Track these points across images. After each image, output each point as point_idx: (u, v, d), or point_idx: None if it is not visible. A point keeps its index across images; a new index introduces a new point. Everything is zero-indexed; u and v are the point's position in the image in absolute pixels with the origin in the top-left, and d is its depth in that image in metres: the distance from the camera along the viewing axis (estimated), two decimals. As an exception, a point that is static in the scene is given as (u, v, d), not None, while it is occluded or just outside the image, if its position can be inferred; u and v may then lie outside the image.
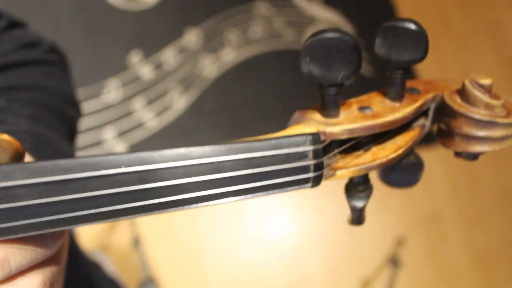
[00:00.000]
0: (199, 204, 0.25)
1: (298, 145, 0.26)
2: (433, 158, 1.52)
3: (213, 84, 1.57)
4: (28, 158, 0.36)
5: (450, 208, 1.55)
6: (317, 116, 0.29)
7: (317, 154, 0.27)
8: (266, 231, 1.46)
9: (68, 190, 0.23)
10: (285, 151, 0.26)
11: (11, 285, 0.25)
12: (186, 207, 0.25)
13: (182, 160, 0.24)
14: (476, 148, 0.29)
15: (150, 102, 1.52)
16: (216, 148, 0.25)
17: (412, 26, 0.26)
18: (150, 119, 1.50)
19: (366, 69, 1.64)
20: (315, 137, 0.27)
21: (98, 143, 1.45)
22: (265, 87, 1.60)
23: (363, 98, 0.31)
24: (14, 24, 0.55)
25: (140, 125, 1.49)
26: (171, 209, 0.25)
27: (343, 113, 0.29)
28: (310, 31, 1.68)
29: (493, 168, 1.60)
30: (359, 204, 0.32)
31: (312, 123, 0.28)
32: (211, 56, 1.60)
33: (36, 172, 0.23)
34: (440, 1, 1.81)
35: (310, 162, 0.26)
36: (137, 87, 1.53)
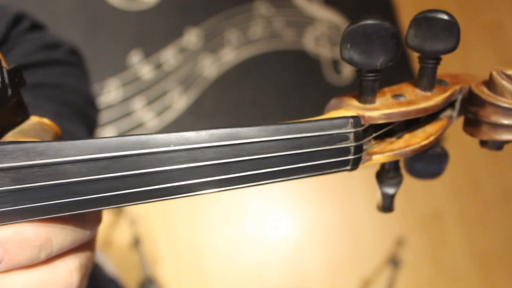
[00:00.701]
0: (245, 185, 0.26)
1: (340, 127, 0.27)
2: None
3: (213, 84, 1.57)
4: None
5: (450, 208, 1.55)
6: (354, 102, 0.30)
7: (357, 137, 0.27)
8: (266, 231, 1.46)
9: (117, 167, 0.23)
10: (327, 133, 0.27)
11: (50, 267, 0.25)
12: (231, 187, 0.26)
13: (230, 140, 0.25)
14: (503, 136, 0.30)
15: (150, 102, 1.52)
16: (262, 129, 0.25)
17: (445, 17, 0.27)
18: (150, 119, 1.50)
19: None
20: (356, 120, 0.27)
21: (98, 143, 1.45)
22: (265, 87, 1.60)
23: (395, 88, 0.32)
24: (36, 27, 0.57)
25: (140, 125, 1.49)
26: (216, 189, 0.25)
27: (379, 100, 0.30)
28: (310, 31, 1.68)
29: (493, 168, 1.60)
30: (390, 190, 0.34)
31: (351, 108, 0.29)
32: (211, 56, 1.60)
33: (85, 149, 0.23)
34: (440, 1, 1.80)
35: (351, 144, 0.27)
36: (137, 87, 1.53)
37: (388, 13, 1.75)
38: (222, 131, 0.25)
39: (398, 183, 0.34)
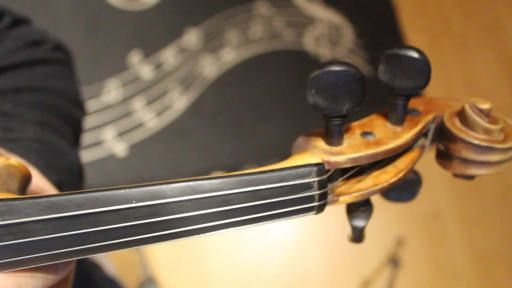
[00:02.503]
0: (207, 233, 0.26)
1: (303, 176, 0.27)
2: (433, 158, 1.52)
3: (213, 84, 1.57)
4: (35, 173, 0.36)
5: (450, 208, 1.55)
6: (321, 143, 0.29)
7: (322, 185, 0.27)
8: (266, 231, 1.46)
9: (80, 224, 0.24)
10: (291, 183, 0.26)
11: None
12: (194, 236, 0.26)
13: (192, 194, 0.25)
14: (474, 171, 0.30)
15: (150, 102, 1.52)
16: (224, 181, 0.25)
17: (416, 55, 0.26)
18: (150, 119, 1.50)
19: (366, 69, 1.64)
20: (320, 168, 0.27)
21: (98, 143, 1.45)
22: (265, 87, 1.60)
23: (365, 122, 0.31)
24: (19, 22, 0.55)
25: (140, 125, 1.49)
26: (180, 238, 0.26)
27: (347, 140, 0.29)
28: (310, 31, 1.68)
29: (493, 168, 1.60)
30: (360, 223, 0.33)
31: (317, 152, 0.28)
32: (211, 56, 1.60)
33: (48, 208, 0.23)
34: (440, 1, 1.80)
35: (315, 192, 0.27)
36: (137, 87, 1.53)
37: (388, 13, 1.75)
38: (183, 185, 0.25)
39: (368, 215, 0.33)
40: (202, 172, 1.46)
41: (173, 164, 1.47)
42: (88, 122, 1.46)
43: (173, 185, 0.25)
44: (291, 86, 1.61)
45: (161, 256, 1.39)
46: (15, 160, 0.28)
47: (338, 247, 1.46)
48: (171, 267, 1.39)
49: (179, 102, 1.53)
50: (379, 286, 1.42)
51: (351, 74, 0.25)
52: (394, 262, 1.36)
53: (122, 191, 0.24)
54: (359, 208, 0.32)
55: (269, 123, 1.56)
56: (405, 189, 0.33)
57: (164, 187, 0.25)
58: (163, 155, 1.48)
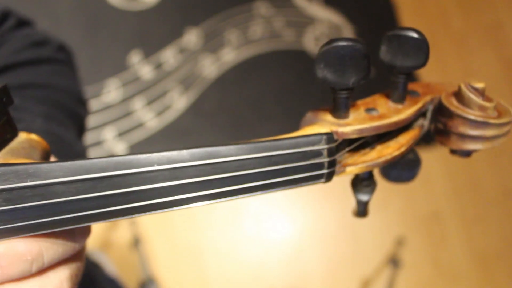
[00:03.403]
0: (223, 199, 0.28)
1: (314, 144, 0.28)
2: (433, 158, 1.52)
3: (213, 84, 1.57)
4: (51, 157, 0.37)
5: (450, 208, 1.55)
6: (329, 117, 0.31)
7: (331, 152, 0.29)
8: (265, 231, 1.46)
9: (104, 186, 0.25)
10: (302, 150, 0.28)
11: (42, 278, 0.27)
12: (214, 201, 0.27)
13: (210, 158, 0.26)
14: (470, 146, 0.32)
15: (150, 102, 1.52)
16: (240, 147, 0.27)
17: (415, 35, 0.28)
18: (150, 119, 1.50)
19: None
20: (329, 137, 0.29)
21: (98, 143, 1.45)
22: (265, 87, 1.60)
23: (369, 100, 0.33)
24: (23, 23, 0.56)
25: (140, 125, 1.49)
26: (198, 203, 0.27)
27: (352, 115, 0.31)
28: (310, 31, 1.68)
29: (493, 168, 1.60)
30: (364, 197, 0.35)
31: (325, 124, 0.30)
32: (211, 56, 1.60)
33: (74, 170, 0.24)
34: (440, 1, 1.80)
35: (325, 159, 0.29)
36: (137, 87, 1.53)
37: (388, 13, 1.75)
38: (202, 150, 0.26)
39: (372, 190, 0.35)
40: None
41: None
42: (88, 122, 1.46)
43: (192, 150, 0.26)
44: (291, 86, 1.61)
45: (161, 256, 1.39)
46: (35, 135, 0.29)
47: (338, 247, 1.46)
48: (171, 267, 1.39)
49: (179, 102, 1.53)
50: (379, 286, 1.42)
51: (357, 49, 0.26)
52: (394, 262, 1.36)
53: (144, 155, 0.25)
54: (363, 183, 0.35)
55: (269, 123, 1.56)
56: (405, 168, 0.35)
57: (183, 152, 0.26)
58: (163, 155, 1.47)
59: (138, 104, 1.51)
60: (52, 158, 0.38)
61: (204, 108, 1.54)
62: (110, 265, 1.27)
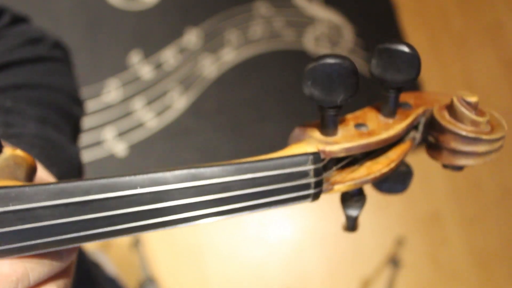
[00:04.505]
0: (208, 220, 0.27)
1: (300, 164, 0.28)
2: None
3: (213, 84, 1.57)
4: (39, 167, 0.37)
5: (450, 208, 1.55)
6: (316, 134, 0.30)
7: (317, 173, 0.28)
8: (266, 231, 1.46)
9: (87, 210, 0.25)
10: (288, 171, 0.27)
11: None
12: (196, 222, 0.27)
13: (193, 180, 0.26)
14: (462, 161, 0.32)
15: (150, 102, 1.52)
16: (224, 169, 0.26)
17: (406, 49, 0.27)
18: (150, 119, 1.50)
19: (366, 69, 1.64)
20: (316, 157, 0.28)
21: (98, 143, 1.45)
22: (265, 87, 1.60)
23: (359, 115, 0.32)
24: (18, 20, 0.55)
25: (140, 125, 1.49)
26: (181, 225, 0.27)
27: (341, 131, 0.30)
28: (310, 31, 1.68)
29: (493, 168, 1.60)
30: (353, 213, 0.34)
31: (312, 142, 0.29)
32: (211, 56, 1.60)
33: (57, 194, 0.24)
34: (440, 1, 1.81)
35: (311, 180, 0.28)
36: (137, 87, 1.53)
37: (388, 13, 1.75)
38: (185, 172, 0.26)
39: (361, 205, 0.34)
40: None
41: (173, 164, 1.47)
42: (88, 122, 1.46)
43: (175, 172, 0.25)
44: (291, 86, 1.61)
45: (161, 256, 1.39)
46: (21, 151, 0.29)
47: (338, 247, 1.46)
48: (171, 267, 1.39)
49: (179, 102, 1.53)
50: (379, 286, 1.42)
51: (345, 67, 0.26)
52: (394, 262, 1.36)
53: (127, 178, 0.25)
54: (353, 198, 0.34)
55: (269, 123, 1.56)
56: (397, 181, 0.34)
57: (167, 174, 0.25)
58: (163, 155, 1.48)
59: (138, 104, 1.51)
60: (43, 170, 0.37)
61: (204, 108, 1.54)
62: (110, 265, 1.27)
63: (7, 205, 0.23)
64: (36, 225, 0.24)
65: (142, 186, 0.25)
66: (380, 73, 0.29)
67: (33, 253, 0.25)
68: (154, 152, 1.47)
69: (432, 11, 1.79)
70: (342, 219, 0.35)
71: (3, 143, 0.29)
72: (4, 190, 0.24)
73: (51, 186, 0.24)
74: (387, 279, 1.36)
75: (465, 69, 1.73)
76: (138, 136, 1.48)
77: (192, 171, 0.26)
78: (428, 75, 1.66)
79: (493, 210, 1.57)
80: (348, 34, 1.70)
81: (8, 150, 0.28)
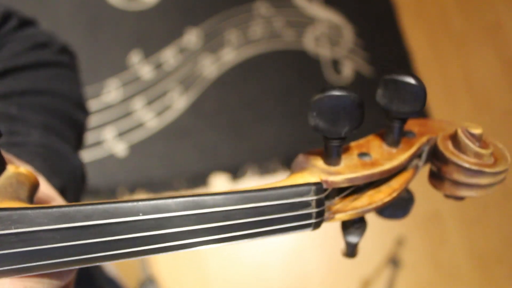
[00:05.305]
0: (209, 246, 0.28)
1: (302, 195, 0.28)
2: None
3: (213, 84, 1.57)
4: (42, 181, 0.36)
5: (450, 208, 1.55)
6: (319, 163, 0.30)
7: (319, 203, 0.28)
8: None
9: (88, 234, 0.25)
10: (290, 201, 0.28)
11: None
12: (196, 248, 0.28)
13: (196, 209, 0.26)
14: (464, 193, 0.32)
15: (150, 102, 1.52)
16: (227, 198, 0.27)
17: (412, 81, 0.27)
18: (150, 119, 1.50)
19: (366, 69, 1.64)
20: (318, 187, 0.28)
21: (98, 143, 1.45)
22: (265, 87, 1.60)
23: (362, 143, 0.32)
24: (26, 23, 0.55)
25: (140, 125, 1.49)
26: (182, 250, 0.27)
27: (344, 160, 0.30)
28: (310, 31, 1.68)
29: (493, 168, 1.60)
30: (354, 240, 0.34)
31: (315, 171, 0.29)
32: (211, 56, 1.60)
33: (59, 218, 0.24)
34: (440, 1, 1.81)
35: (313, 210, 0.28)
36: (137, 87, 1.53)
37: (389, 13, 1.75)
38: (188, 199, 0.26)
39: (362, 231, 0.34)
40: (202, 172, 1.46)
41: (173, 164, 1.47)
42: (88, 122, 1.46)
43: (178, 199, 0.26)
44: (291, 86, 1.61)
45: (161, 256, 1.39)
46: (24, 168, 0.29)
47: (338, 247, 1.46)
48: (171, 267, 1.39)
49: (179, 102, 1.53)
50: (379, 286, 1.42)
51: (351, 99, 0.26)
52: (394, 262, 1.36)
53: (129, 204, 0.25)
54: (354, 225, 0.34)
55: (269, 123, 1.56)
56: (398, 207, 0.34)
57: (169, 201, 0.26)
58: (163, 155, 1.48)
59: (138, 104, 1.51)
60: (46, 184, 0.37)
61: (204, 108, 1.54)
62: (110, 265, 1.27)
63: (10, 228, 0.24)
64: (37, 248, 0.24)
65: (144, 213, 0.25)
66: (386, 104, 0.29)
67: (34, 273, 0.25)
68: (154, 152, 1.47)
69: (432, 11, 1.79)
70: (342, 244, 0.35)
71: (7, 159, 0.29)
72: (6, 213, 0.24)
73: (54, 210, 0.24)
74: (387, 279, 1.36)
75: (465, 69, 1.73)
76: (138, 136, 1.48)
77: (195, 199, 0.26)
78: (428, 75, 1.66)
79: (493, 210, 1.57)
80: (348, 34, 1.70)
81: (11, 168, 0.28)
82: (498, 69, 1.74)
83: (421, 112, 1.40)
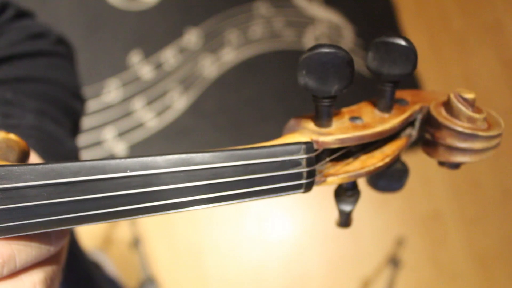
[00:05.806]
0: (199, 206, 0.27)
1: (292, 153, 0.28)
2: (434, 161, 1.52)
3: (213, 84, 1.57)
4: (33, 154, 0.36)
5: (450, 208, 1.55)
6: (310, 125, 0.30)
7: (310, 162, 0.28)
8: (266, 231, 1.46)
9: (75, 191, 0.24)
10: (280, 159, 0.27)
11: (15, 280, 0.26)
12: (187, 209, 0.27)
13: (184, 166, 0.25)
14: (458, 158, 0.31)
15: (150, 102, 1.52)
16: (216, 155, 0.26)
17: (403, 42, 0.27)
18: (150, 119, 1.50)
19: (364, 69, 1.64)
20: (309, 146, 0.28)
21: (98, 143, 1.45)
22: (265, 87, 1.60)
23: (354, 108, 0.32)
24: (22, 14, 0.55)
25: (140, 125, 1.49)
26: (172, 210, 0.26)
27: (335, 123, 0.30)
28: (310, 31, 1.68)
29: (493, 168, 1.60)
30: (347, 208, 0.34)
31: (306, 132, 0.29)
32: (211, 56, 1.60)
33: (45, 174, 0.24)
34: (440, 1, 1.81)
35: (303, 169, 0.28)
36: (137, 87, 1.53)
37: (388, 13, 1.75)
38: (176, 156, 0.25)
39: (355, 200, 0.34)
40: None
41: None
42: (88, 122, 1.46)
43: (166, 156, 0.25)
44: (291, 86, 1.61)
45: (161, 256, 1.39)
46: (14, 135, 0.29)
47: (338, 247, 1.46)
48: (171, 267, 1.39)
49: (179, 102, 1.53)
50: (379, 286, 1.42)
51: (340, 56, 0.25)
52: (394, 262, 1.36)
53: (117, 160, 0.25)
54: (347, 193, 0.33)
55: (269, 123, 1.56)
56: (393, 179, 0.34)
57: (157, 158, 0.25)
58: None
59: (138, 104, 1.51)
60: (37, 158, 0.37)
61: (204, 108, 1.54)
62: (110, 265, 1.27)
63: None
64: (24, 205, 0.24)
65: (132, 170, 0.25)
66: (377, 67, 0.29)
67: (21, 234, 0.25)
68: (154, 152, 1.46)
69: (432, 11, 1.79)
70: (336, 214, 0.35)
71: None
72: None
73: (40, 166, 0.24)
74: (387, 279, 1.36)
75: (465, 69, 1.73)
76: (138, 136, 1.48)
77: (183, 156, 0.25)
78: (428, 75, 1.66)
79: (493, 210, 1.57)
80: (348, 34, 1.70)
81: (1, 133, 0.28)
82: (498, 69, 1.74)
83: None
